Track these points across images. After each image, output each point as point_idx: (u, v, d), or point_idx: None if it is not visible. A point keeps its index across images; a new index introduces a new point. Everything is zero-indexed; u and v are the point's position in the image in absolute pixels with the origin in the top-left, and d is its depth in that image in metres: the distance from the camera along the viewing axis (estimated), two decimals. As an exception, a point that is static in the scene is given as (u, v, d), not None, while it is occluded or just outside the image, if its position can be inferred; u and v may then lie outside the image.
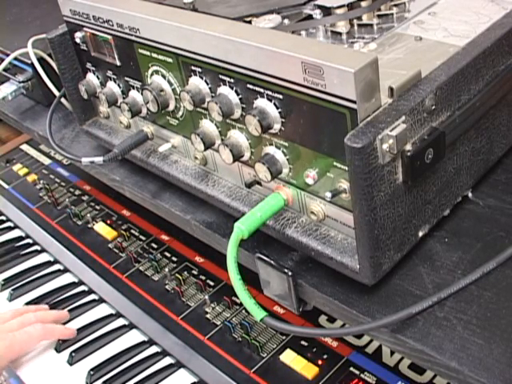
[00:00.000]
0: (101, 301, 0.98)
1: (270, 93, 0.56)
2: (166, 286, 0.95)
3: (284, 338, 0.83)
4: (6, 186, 1.25)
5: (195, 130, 0.65)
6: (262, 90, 0.57)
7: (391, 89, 0.53)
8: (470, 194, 0.65)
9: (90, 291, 1.00)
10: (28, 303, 0.99)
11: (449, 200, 0.61)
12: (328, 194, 0.54)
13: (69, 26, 0.79)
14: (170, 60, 0.66)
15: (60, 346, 0.91)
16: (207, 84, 0.63)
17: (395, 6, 0.70)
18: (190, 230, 0.74)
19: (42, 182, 1.22)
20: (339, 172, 0.54)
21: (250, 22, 0.68)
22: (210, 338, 0.86)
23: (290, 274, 0.61)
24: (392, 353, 0.78)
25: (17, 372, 0.89)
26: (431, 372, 0.72)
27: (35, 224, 1.13)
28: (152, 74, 0.69)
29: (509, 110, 0.65)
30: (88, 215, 1.11)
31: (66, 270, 1.05)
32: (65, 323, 0.95)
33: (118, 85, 0.76)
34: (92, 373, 0.86)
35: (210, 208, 0.72)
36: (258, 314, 0.56)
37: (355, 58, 0.50)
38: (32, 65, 0.97)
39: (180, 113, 0.69)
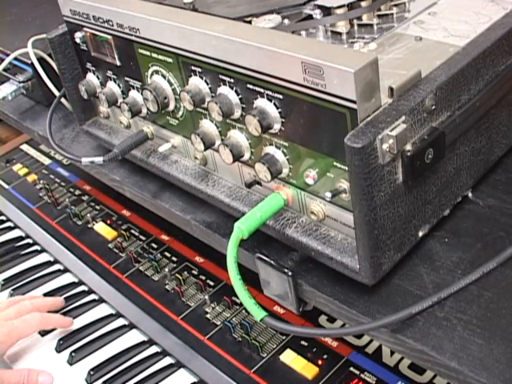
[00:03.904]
0: (101, 301, 0.98)
1: (270, 93, 0.56)
2: (166, 286, 0.95)
3: (284, 338, 0.83)
4: (6, 186, 1.25)
5: (195, 130, 0.65)
6: (262, 90, 0.57)
7: (391, 89, 0.53)
8: (470, 194, 0.65)
9: (90, 291, 1.00)
10: (28, 303, 0.99)
11: (449, 200, 0.61)
12: (328, 194, 0.54)
13: (69, 26, 0.79)
14: (170, 60, 0.66)
15: (60, 346, 0.91)
16: (207, 84, 0.63)
17: (395, 5, 0.70)
18: (190, 230, 0.74)
19: (42, 182, 1.22)
20: (339, 172, 0.54)
21: (250, 22, 0.68)
22: (209, 337, 0.86)
23: (290, 273, 0.61)
24: (392, 353, 0.78)
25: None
26: (431, 372, 0.72)
27: (35, 224, 1.13)
28: (152, 74, 0.69)
29: (509, 110, 0.65)
30: (88, 215, 1.11)
31: (65, 270, 1.05)
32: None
33: (118, 85, 0.76)
34: (92, 373, 0.86)
35: (210, 208, 0.72)
36: (257, 314, 0.56)
37: (355, 58, 0.50)
38: (32, 65, 0.97)
39: (180, 113, 0.69)
